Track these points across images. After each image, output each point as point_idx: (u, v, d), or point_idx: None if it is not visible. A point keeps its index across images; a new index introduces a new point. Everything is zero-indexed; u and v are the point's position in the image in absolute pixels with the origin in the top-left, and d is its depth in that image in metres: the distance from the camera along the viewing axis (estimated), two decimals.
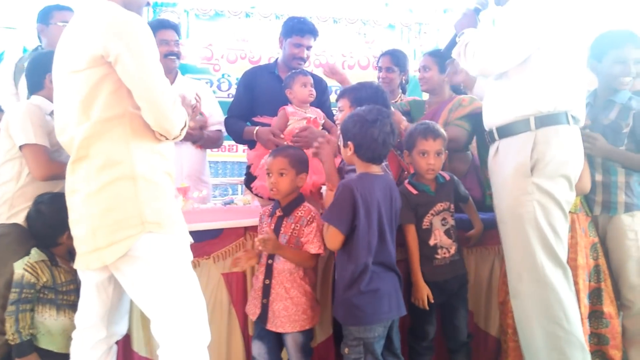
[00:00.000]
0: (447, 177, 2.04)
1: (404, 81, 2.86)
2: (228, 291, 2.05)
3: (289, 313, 1.81)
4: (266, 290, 1.84)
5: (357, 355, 1.73)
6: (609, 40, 2.11)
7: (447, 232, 1.99)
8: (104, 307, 1.58)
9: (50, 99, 1.81)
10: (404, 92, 2.94)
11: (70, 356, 1.61)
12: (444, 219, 1.99)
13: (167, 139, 1.53)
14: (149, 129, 1.49)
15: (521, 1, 1.79)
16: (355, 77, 4.13)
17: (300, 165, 1.87)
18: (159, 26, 2.67)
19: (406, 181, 2.05)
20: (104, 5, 1.47)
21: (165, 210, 1.50)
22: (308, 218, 1.84)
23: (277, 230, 1.86)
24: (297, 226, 1.84)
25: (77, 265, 1.51)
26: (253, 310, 1.88)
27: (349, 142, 1.75)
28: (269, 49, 4.19)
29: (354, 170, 1.83)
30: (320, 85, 2.98)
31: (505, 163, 1.83)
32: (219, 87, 4.15)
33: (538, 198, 1.75)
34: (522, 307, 1.84)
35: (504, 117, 1.83)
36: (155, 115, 1.46)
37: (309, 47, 2.81)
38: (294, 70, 2.51)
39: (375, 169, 1.79)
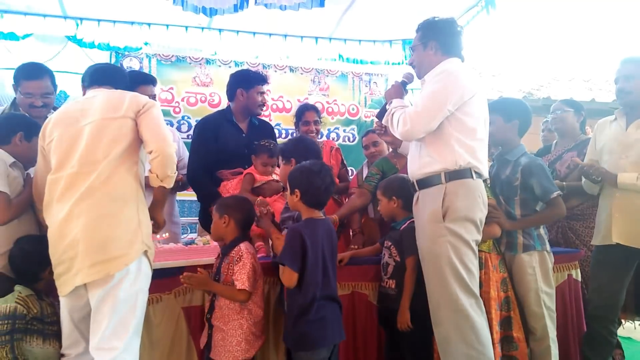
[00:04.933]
0: (402, 227, 2.49)
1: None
2: (187, 324, 2.39)
3: (225, 344, 2.14)
4: (209, 323, 2.21)
5: None
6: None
7: (383, 266, 2.51)
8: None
9: (12, 153, 2.28)
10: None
11: None
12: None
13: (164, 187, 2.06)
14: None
15: (432, 77, 2.33)
16: None
17: (222, 209, 2.27)
18: (141, 81, 3.11)
19: None
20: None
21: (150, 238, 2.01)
22: (237, 257, 2.18)
23: (218, 271, 2.24)
24: (230, 266, 2.19)
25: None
26: (203, 339, 2.25)
27: (296, 190, 2.19)
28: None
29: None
30: (270, 130, 3.51)
31: (423, 210, 2.31)
32: (178, 129, 4.57)
33: (450, 239, 2.21)
34: (442, 333, 2.24)
35: (421, 172, 2.33)
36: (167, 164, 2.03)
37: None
38: (263, 143, 2.96)
39: (318, 214, 2.24)
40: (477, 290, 2.28)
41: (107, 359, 1.84)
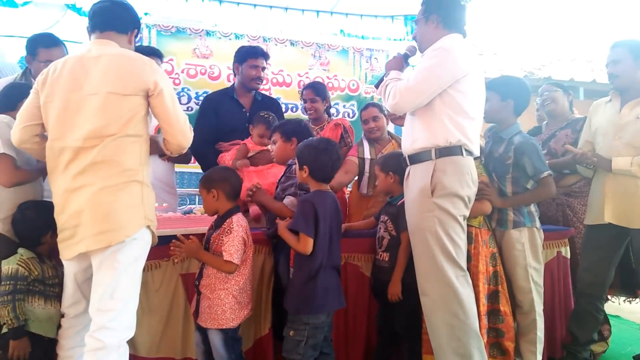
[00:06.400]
0: (399, 203, 2.57)
1: (326, 107, 3.56)
2: (184, 289, 2.50)
3: (210, 311, 2.22)
4: (198, 290, 2.31)
5: (300, 337, 2.21)
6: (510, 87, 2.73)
7: (379, 240, 2.61)
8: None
9: None
10: (329, 115, 3.61)
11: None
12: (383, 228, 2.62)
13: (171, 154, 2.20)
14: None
15: (429, 52, 2.37)
16: None
17: (208, 184, 2.32)
18: (148, 55, 3.17)
19: None
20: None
21: (154, 212, 2.09)
22: (228, 229, 2.25)
23: (208, 240, 2.32)
24: (221, 237, 2.26)
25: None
26: (193, 305, 2.35)
27: (305, 166, 2.30)
28: (228, 66, 4.73)
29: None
30: (276, 106, 3.58)
31: (413, 185, 2.39)
32: (178, 101, 4.62)
33: (437, 214, 2.29)
34: (428, 303, 2.34)
35: (413, 147, 2.40)
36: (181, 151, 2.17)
37: (263, 69, 3.41)
38: (262, 114, 3.05)
39: (325, 187, 2.35)
40: (463, 263, 2.36)
41: (104, 320, 1.94)
